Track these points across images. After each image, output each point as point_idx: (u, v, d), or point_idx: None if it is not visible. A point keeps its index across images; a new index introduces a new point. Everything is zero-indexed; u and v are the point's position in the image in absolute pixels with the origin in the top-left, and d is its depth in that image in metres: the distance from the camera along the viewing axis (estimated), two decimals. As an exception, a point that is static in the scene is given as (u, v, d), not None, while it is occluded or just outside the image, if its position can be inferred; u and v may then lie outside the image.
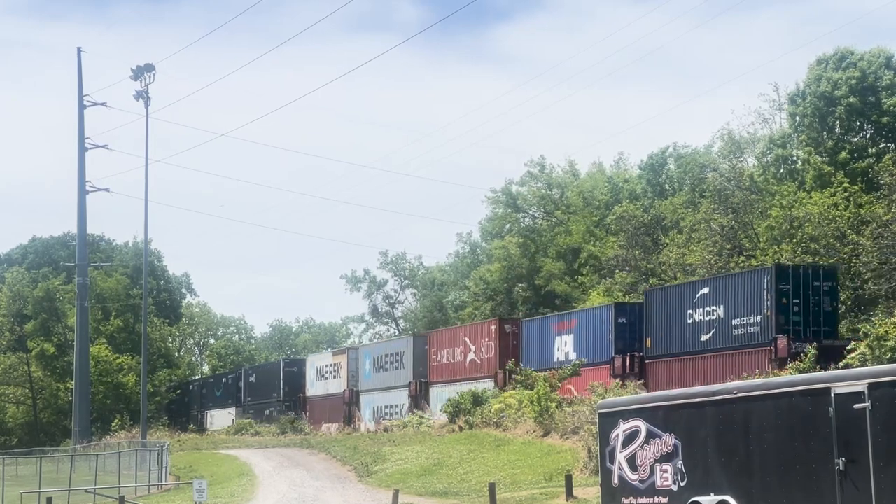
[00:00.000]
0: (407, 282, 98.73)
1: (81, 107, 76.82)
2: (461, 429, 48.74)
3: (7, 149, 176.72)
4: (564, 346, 49.43)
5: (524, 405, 45.21)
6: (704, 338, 41.70)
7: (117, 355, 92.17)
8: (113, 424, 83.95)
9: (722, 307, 40.90)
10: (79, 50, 77.51)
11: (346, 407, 66.54)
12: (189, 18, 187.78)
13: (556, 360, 49.28)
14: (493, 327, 54.72)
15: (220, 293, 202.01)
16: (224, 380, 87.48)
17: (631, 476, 23.87)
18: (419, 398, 59.11)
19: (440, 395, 56.69)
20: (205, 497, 33.30)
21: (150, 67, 70.43)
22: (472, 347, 55.84)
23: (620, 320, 46.06)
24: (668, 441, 22.96)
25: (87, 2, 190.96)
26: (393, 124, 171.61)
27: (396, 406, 61.22)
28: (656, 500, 23.11)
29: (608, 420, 25.00)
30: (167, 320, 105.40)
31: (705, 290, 42.17)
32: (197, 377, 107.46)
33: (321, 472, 46.38)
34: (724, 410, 21.80)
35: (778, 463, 20.45)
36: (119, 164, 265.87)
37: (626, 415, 24.33)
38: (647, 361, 44.42)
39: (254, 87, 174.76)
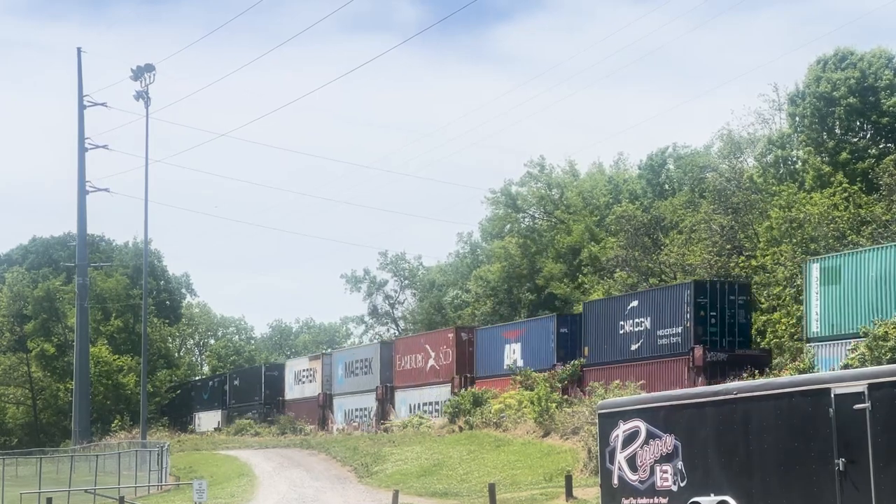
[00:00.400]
0: (407, 282, 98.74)
1: (81, 107, 76.83)
2: (461, 429, 48.76)
3: (7, 149, 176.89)
4: (513, 354, 52.57)
5: (524, 405, 45.23)
6: (634, 347, 44.81)
7: (117, 356, 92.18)
8: (113, 425, 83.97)
9: (649, 319, 44.26)
10: (79, 50, 77.63)
11: (320, 409, 69.53)
12: (189, 18, 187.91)
13: (505, 366, 52.37)
14: (451, 335, 58.11)
15: (220, 293, 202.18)
16: (211, 383, 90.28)
17: (631, 476, 23.87)
18: (385, 402, 62.34)
19: (404, 398, 60.88)
20: (205, 497, 33.28)
21: (150, 67, 70.47)
22: (433, 354, 59.16)
23: (562, 330, 49.63)
24: (668, 441, 22.96)
25: (87, 2, 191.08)
26: (392, 124, 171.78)
27: (365, 409, 64.60)
28: (656, 500, 23.10)
29: (608, 420, 24.99)
30: (167, 320, 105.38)
31: (635, 303, 45.53)
32: (196, 378, 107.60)
33: (321, 473, 46.36)
34: (724, 411, 21.80)
35: (778, 463, 20.44)
36: (119, 164, 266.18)
37: (627, 415, 24.32)
38: (584, 369, 47.34)
39: (254, 87, 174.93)
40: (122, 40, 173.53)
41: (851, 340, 34.60)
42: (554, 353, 49.16)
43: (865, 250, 38.07)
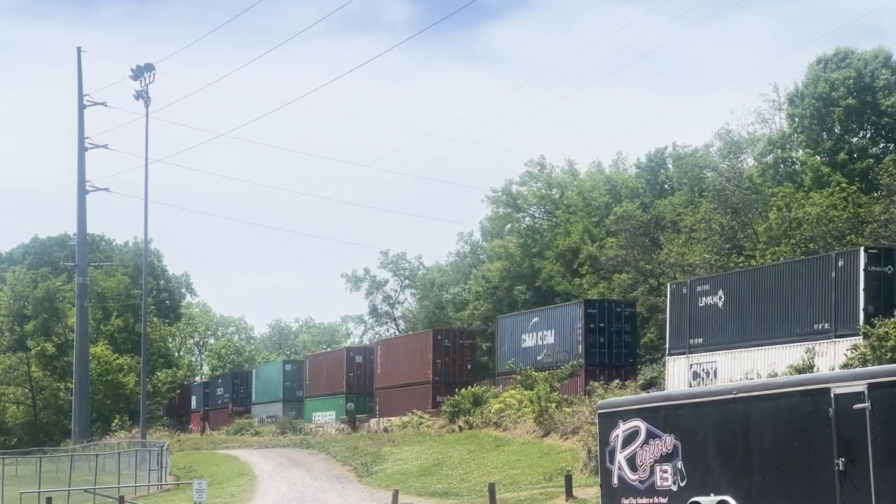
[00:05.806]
0: (407, 282, 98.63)
1: (81, 107, 76.78)
2: (461, 429, 48.74)
3: (7, 149, 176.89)
4: (226, 395, 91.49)
5: (524, 405, 45.20)
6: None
7: (117, 355, 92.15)
8: (113, 424, 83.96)
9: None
10: (79, 50, 77.56)
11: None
12: (189, 18, 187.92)
13: (218, 404, 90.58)
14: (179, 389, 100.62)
15: (220, 293, 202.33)
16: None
17: (631, 476, 23.87)
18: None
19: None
20: (204, 497, 33.28)
21: (150, 67, 70.48)
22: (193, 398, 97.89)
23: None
24: (667, 441, 22.96)
25: (87, 2, 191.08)
26: (392, 124, 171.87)
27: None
28: (656, 500, 23.10)
29: (608, 420, 24.98)
30: (167, 320, 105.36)
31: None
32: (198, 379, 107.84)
33: (321, 473, 46.36)
34: (723, 411, 21.79)
35: (778, 463, 20.44)
36: (119, 164, 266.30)
37: (626, 415, 24.31)
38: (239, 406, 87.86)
39: (254, 87, 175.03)
40: (122, 40, 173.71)
41: (271, 405, 79.97)
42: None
43: (268, 364, 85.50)
